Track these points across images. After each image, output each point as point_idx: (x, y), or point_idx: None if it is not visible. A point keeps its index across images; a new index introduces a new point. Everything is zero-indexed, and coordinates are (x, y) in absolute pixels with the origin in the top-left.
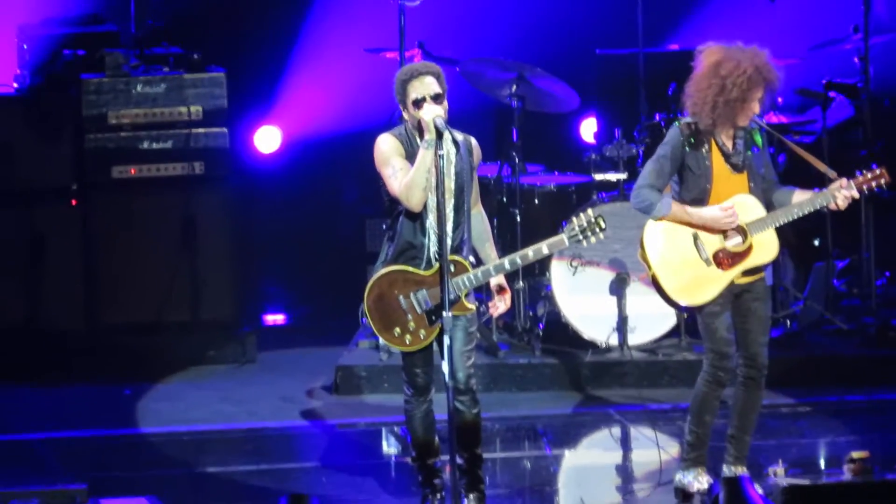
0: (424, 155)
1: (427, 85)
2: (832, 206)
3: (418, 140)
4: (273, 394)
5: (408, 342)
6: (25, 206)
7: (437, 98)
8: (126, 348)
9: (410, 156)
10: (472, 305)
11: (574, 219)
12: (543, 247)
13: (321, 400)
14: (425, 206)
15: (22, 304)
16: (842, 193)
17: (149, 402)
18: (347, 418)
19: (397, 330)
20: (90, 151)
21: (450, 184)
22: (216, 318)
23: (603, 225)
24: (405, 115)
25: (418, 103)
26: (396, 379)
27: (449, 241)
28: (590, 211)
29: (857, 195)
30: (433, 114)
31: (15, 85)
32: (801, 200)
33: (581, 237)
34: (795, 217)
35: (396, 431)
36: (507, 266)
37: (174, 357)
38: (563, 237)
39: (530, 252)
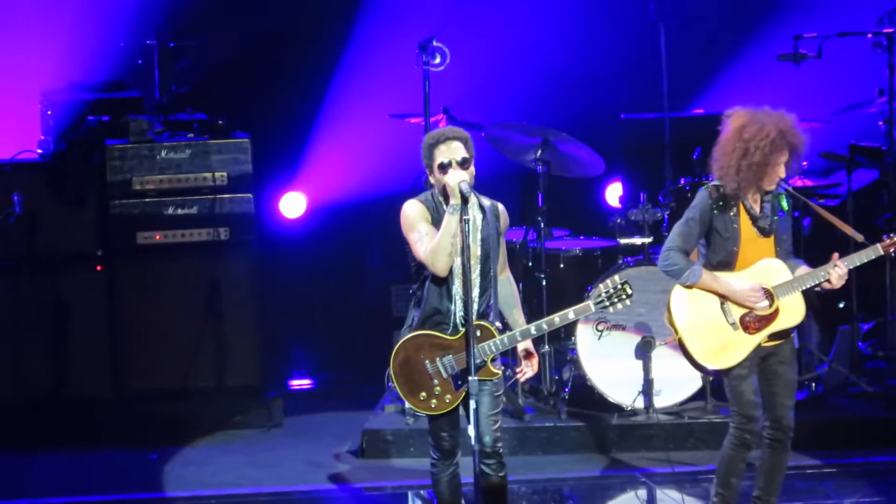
0: (450, 220)
1: (454, 150)
2: (826, 285)
3: (444, 206)
4: (299, 458)
5: (433, 406)
6: (50, 272)
7: (463, 163)
8: (152, 414)
9: (437, 222)
10: (497, 370)
11: (600, 285)
12: (570, 313)
13: (347, 464)
14: (451, 272)
15: (48, 371)
16: (835, 271)
17: (175, 467)
18: (374, 482)
19: (423, 394)
20: (115, 217)
21: (476, 249)
22: (242, 383)
23: (630, 291)
24: (431, 180)
25: (444, 168)
26: (422, 443)
27: (475, 307)
28: (616, 277)
29: (844, 275)
30: (458, 179)
31: (39, 151)
32: (803, 275)
33: (608, 303)
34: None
35: (423, 495)
36: (534, 332)
37: (201, 422)
38: (589, 303)
39: (556, 318)
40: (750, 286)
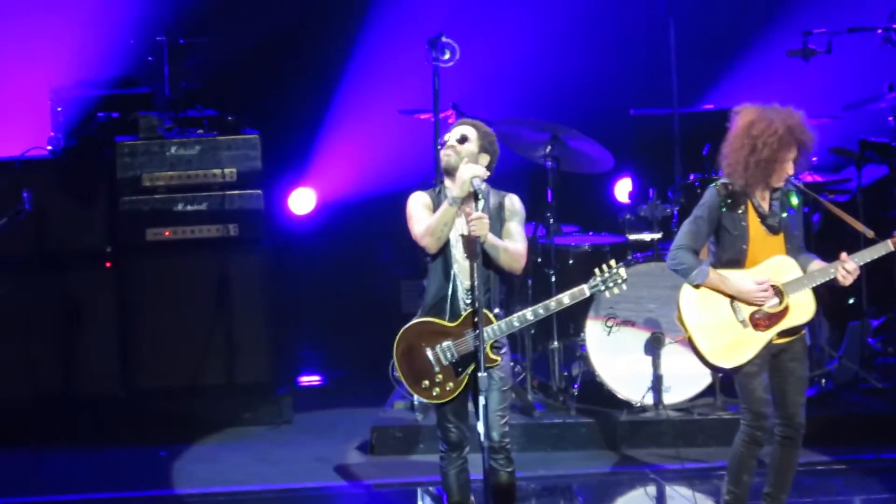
0: (447, 210)
1: (456, 130)
2: (838, 279)
3: (447, 193)
4: (309, 455)
5: (435, 394)
6: (60, 269)
7: (461, 140)
8: (162, 411)
9: (437, 208)
10: (496, 357)
11: (596, 270)
12: (565, 297)
13: (357, 460)
14: (451, 259)
15: (58, 368)
16: (840, 269)
17: (185, 464)
18: (383, 478)
19: (426, 382)
20: (124, 214)
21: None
22: (252, 380)
23: (624, 275)
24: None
25: (442, 145)
26: (432, 439)
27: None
28: (612, 262)
29: (853, 271)
30: (472, 173)
31: (49, 148)
32: (814, 270)
33: (602, 287)
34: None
35: (431, 491)
36: (530, 317)
37: (210, 419)
38: (583, 287)
39: (552, 303)
40: (757, 285)
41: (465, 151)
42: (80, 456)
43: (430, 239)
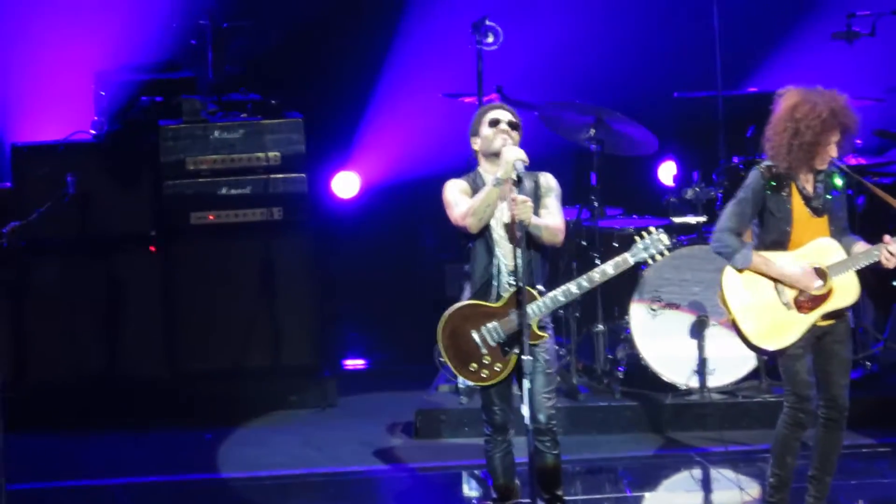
0: (490, 190)
1: (504, 113)
2: (882, 261)
3: (484, 177)
4: (354, 438)
5: (484, 376)
6: (104, 253)
7: (512, 126)
8: (207, 394)
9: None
10: (544, 334)
11: (636, 237)
12: (609, 267)
13: (401, 444)
14: (493, 241)
15: (103, 351)
16: (884, 250)
17: (230, 447)
18: (427, 462)
19: (473, 365)
20: (168, 198)
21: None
22: (297, 363)
23: (666, 241)
24: (475, 146)
25: (494, 123)
26: (476, 422)
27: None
28: (652, 228)
29: None
30: (515, 156)
31: (93, 132)
32: (858, 252)
33: (645, 254)
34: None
35: (477, 474)
36: (574, 290)
37: (255, 402)
38: (626, 256)
39: (596, 275)
40: (802, 271)
41: (516, 138)
42: (124, 439)
43: (472, 219)
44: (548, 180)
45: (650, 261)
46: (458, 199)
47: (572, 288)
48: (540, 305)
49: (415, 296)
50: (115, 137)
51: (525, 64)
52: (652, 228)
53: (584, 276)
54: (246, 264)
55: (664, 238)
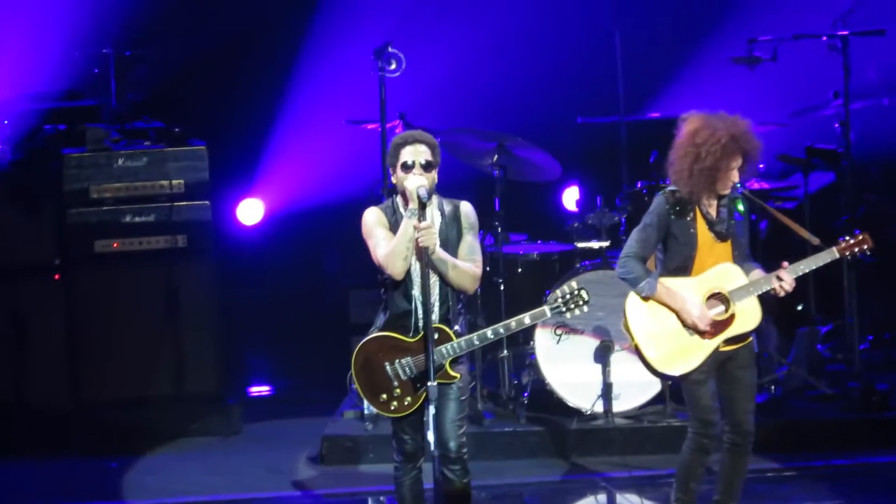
0: (407, 224)
1: (419, 152)
2: (775, 289)
3: (401, 210)
4: (259, 464)
5: (393, 408)
6: (8, 281)
7: (427, 166)
8: (111, 422)
9: (394, 227)
10: (456, 374)
11: (557, 290)
12: (526, 318)
13: (308, 470)
14: (410, 276)
15: (7, 380)
16: (774, 281)
17: (135, 475)
18: (334, 488)
19: (384, 396)
20: (72, 226)
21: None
22: (201, 390)
23: (586, 297)
24: (393, 180)
25: (407, 168)
26: (382, 448)
27: (435, 310)
28: (573, 283)
29: (789, 284)
30: (417, 184)
31: None
32: (757, 280)
33: (563, 309)
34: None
35: (383, 501)
36: (491, 335)
37: (159, 430)
38: (544, 309)
39: (513, 323)
40: (700, 312)
41: (433, 179)
42: (29, 468)
43: (397, 260)
44: (468, 212)
45: (567, 315)
46: (377, 235)
47: (488, 333)
48: (454, 346)
49: (319, 322)
50: (18, 166)
51: (428, 90)
52: (573, 283)
53: (502, 324)
54: (150, 292)
55: (584, 295)
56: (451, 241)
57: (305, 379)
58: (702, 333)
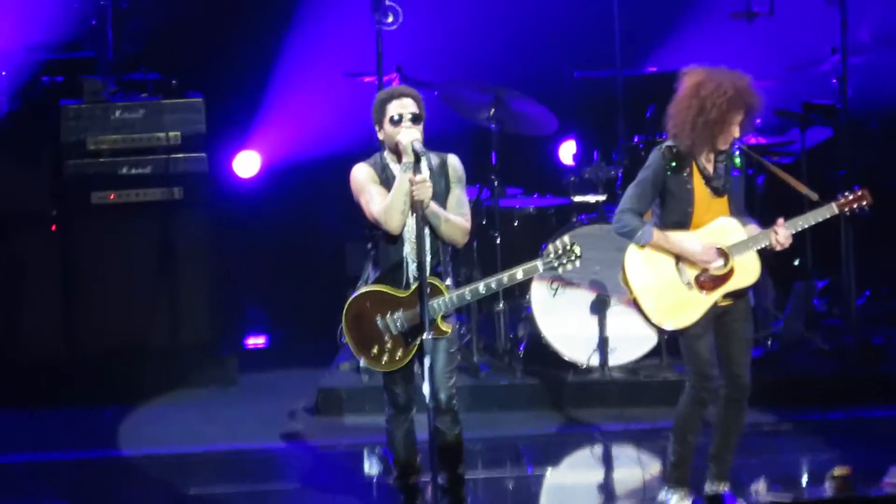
0: (402, 178)
1: (406, 105)
2: (772, 244)
3: (391, 166)
4: (254, 416)
5: (384, 362)
6: (4, 232)
7: (414, 119)
8: (107, 373)
9: (384, 182)
10: (447, 328)
11: (550, 245)
12: (518, 272)
13: (302, 421)
14: (405, 229)
15: (2, 331)
16: (772, 236)
17: (130, 425)
18: (329, 439)
19: (374, 350)
20: (69, 177)
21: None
22: (197, 341)
23: (578, 252)
24: (380, 136)
25: (395, 122)
26: (377, 400)
27: (427, 264)
28: (566, 237)
29: (785, 239)
30: (411, 137)
31: None
32: (755, 235)
33: (556, 264)
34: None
35: (378, 452)
36: (482, 290)
37: (156, 381)
38: (537, 264)
39: (505, 277)
40: (702, 248)
41: (420, 131)
42: (24, 418)
43: (395, 215)
44: (456, 165)
45: (560, 270)
46: (370, 190)
47: (480, 288)
48: (446, 301)
49: (316, 274)
50: (15, 117)
51: (425, 43)
52: (566, 238)
53: (494, 279)
54: (146, 244)
55: (577, 250)
56: (439, 195)
57: (301, 331)
58: (700, 287)
